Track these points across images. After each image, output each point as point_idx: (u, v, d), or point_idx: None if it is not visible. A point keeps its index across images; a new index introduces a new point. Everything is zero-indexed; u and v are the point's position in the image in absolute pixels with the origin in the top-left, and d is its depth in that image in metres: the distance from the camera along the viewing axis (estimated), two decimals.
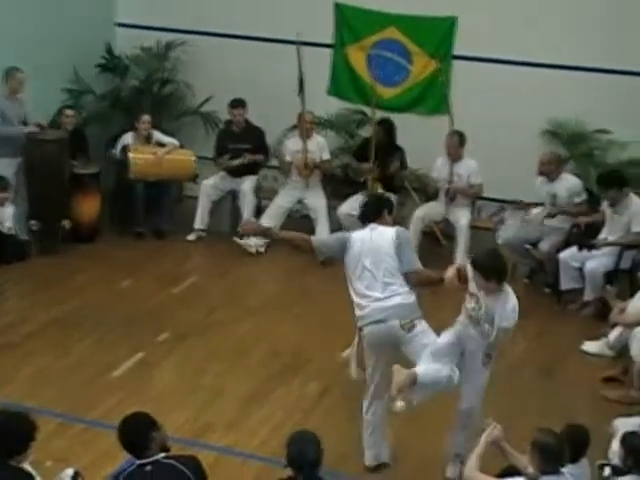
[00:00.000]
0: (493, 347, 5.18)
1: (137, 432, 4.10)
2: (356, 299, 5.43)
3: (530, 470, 4.29)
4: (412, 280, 5.38)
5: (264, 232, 6.34)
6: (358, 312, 5.43)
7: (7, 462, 3.94)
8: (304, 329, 7.44)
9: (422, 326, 5.39)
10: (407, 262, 5.39)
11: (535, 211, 8.51)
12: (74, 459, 5.19)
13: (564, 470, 4.30)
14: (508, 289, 5.17)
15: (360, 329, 5.45)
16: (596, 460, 5.02)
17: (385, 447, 5.62)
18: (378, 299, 5.33)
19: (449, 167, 8.85)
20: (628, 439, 4.62)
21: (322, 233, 9.05)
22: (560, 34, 9.11)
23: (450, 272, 5.26)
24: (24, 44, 8.91)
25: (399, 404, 5.06)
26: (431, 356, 5.18)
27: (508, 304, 5.08)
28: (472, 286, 5.11)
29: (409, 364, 5.22)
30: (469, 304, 5.13)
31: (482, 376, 5.30)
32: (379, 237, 5.44)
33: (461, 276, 5.21)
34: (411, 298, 5.37)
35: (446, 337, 5.24)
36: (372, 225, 5.56)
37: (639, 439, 4.58)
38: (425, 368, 5.13)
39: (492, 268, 5.06)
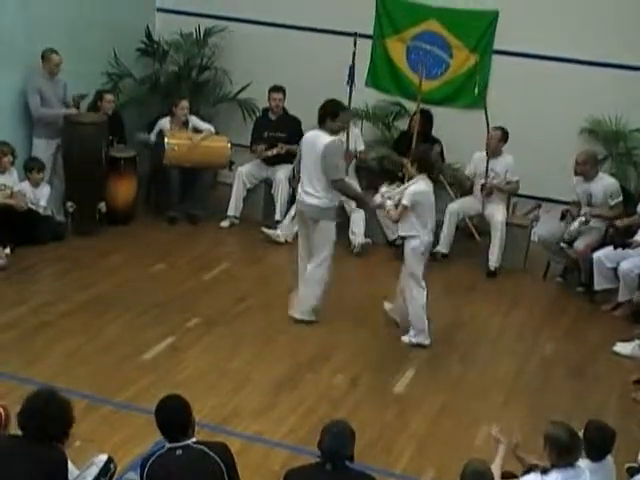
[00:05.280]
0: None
1: (179, 414, 4.07)
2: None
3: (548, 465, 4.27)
4: (335, 187, 6.91)
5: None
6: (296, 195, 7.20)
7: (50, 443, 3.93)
8: (334, 318, 7.43)
9: (326, 226, 6.98)
10: (328, 173, 6.85)
11: (574, 226, 8.34)
12: (102, 440, 5.23)
13: (581, 465, 4.27)
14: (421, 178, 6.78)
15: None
16: (625, 463, 4.98)
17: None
18: (306, 193, 7.00)
19: (486, 162, 8.77)
20: None
21: (358, 223, 9.05)
22: (600, 31, 9.00)
23: (378, 200, 7.07)
24: (66, 27, 8.99)
25: None
26: None
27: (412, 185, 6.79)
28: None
29: None
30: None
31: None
32: (317, 146, 6.86)
33: None
34: (326, 203, 6.93)
35: None
36: (318, 132, 6.97)
37: None
38: None
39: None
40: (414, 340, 7.02)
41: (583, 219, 8.26)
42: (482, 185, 8.80)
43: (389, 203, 6.92)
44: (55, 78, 8.63)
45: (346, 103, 8.88)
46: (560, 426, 4.33)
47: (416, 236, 6.80)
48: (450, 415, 6.09)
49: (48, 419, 3.90)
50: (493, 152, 8.75)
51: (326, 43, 9.69)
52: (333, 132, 7.01)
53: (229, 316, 7.33)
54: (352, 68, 8.75)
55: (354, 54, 8.72)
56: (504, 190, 8.83)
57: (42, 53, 8.52)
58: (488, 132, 8.64)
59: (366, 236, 9.07)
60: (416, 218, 6.76)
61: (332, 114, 6.99)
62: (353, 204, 9.09)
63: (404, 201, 6.75)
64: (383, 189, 7.24)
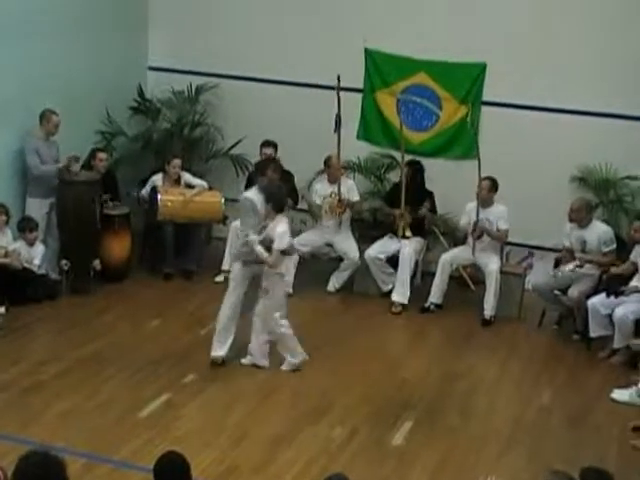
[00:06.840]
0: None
1: (178, 472, 4.01)
2: None
3: None
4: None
5: None
6: None
7: None
8: (331, 371, 7.42)
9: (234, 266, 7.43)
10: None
11: (567, 267, 8.41)
12: None
13: None
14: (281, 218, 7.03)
15: None
16: None
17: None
18: None
19: (479, 212, 8.82)
20: None
21: (346, 273, 9.16)
22: (588, 81, 9.14)
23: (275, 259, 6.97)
24: (59, 88, 9.06)
25: None
26: None
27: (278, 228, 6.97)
28: None
29: None
30: None
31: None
32: None
33: None
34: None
35: None
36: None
37: None
38: None
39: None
40: (294, 363, 7.36)
41: (577, 263, 8.30)
42: (474, 225, 8.83)
43: (258, 248, 7.00)
44: (50, 139, 8.71)
45: (335, 152, 9.02)
46: (561, 475, 4.29)
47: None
48: (449, 467, 6.04)
49: None
50: (484, 202, 8.81)
51: (316, 98, 9.79)
52: (260, 188, 7.23)
53: (225, 371, 7.30)
54: (338, 114, 8.83)
55: (338, 97, 8.81)
56: (492, 235, 8.86)
57: (41, 113, 8.60)
58: (479, 181, 8.72)
59: (361, 288, 9.10)
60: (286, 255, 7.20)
61: (260, 172, 7.62)
62: (351, 254, 9.21)
63: (281, 246, 6.98)
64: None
